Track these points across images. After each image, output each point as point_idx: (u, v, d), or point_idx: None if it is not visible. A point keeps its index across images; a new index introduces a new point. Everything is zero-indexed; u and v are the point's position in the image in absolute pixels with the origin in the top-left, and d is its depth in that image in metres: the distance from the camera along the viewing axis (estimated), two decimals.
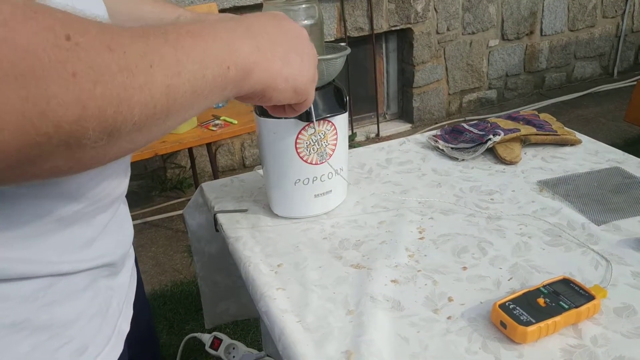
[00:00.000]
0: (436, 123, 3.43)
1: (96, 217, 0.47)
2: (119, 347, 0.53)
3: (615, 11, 3.81)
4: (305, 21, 0.75)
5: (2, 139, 0.29)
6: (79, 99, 0.31)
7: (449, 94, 3.48)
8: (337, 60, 0.79)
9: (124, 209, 0.55)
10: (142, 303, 0.66)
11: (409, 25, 3.16)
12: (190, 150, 2.58)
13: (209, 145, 2.18)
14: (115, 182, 0.50)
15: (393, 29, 3.13)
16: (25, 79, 0.29)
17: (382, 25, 3.08)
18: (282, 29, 0.52)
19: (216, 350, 1.28)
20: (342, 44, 0.85)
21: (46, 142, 0.31)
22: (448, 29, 3.28)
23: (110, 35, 0.34)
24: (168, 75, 0.37)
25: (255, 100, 0.51)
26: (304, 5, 0.74)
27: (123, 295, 0.54)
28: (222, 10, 2.55)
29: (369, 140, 3.26)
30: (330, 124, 0.82)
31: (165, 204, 2.75)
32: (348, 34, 3.00)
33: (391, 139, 1.19)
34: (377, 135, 3.31)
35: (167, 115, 0.38)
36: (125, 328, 0.55)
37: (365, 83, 3.29)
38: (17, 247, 0.40)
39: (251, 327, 1.84)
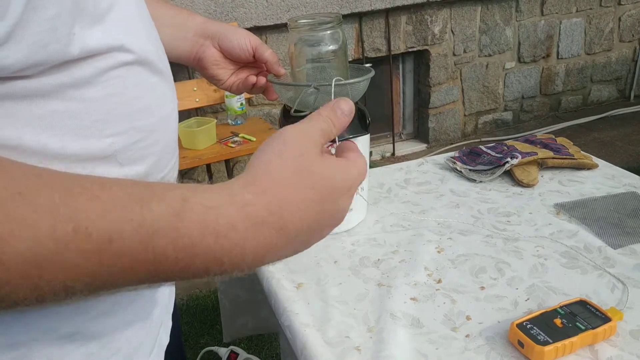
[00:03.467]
0: (452, 143, 3.45)
1: None
2: (160, 359, 0.55)
3: (632, 35, 3.82)
4: (331, 46, 0.78)
5: None
6: None
7: (465, 115, 3.50)
8: (361, 83, 0.82)
9: None
10: (174, 314, 0.68)
11: (425, 47, 3.19)
12: (208, 166, 2.62)
13: (227, 161, 2.22)
14: None
15: (410, 50, 3.17)
16: None
17: (399, 46, 3.12)
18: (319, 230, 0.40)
19: None
20: (367, 65, 0.88)
21: None
22: (465, 51, 3.31)
23: None
24: None
25: None
26: (329, 32, 0.77)
27: (164, 306, 0.56)
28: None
29: (384, 160, 3.28)
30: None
31: None
32: (366, 55, 3.04)
33: (406, 158, 1.21)
34: (393, 154, 3.33)
35: None
36: (165, 340, 0.57)
37: (381, 103, 3.32)
38: None
39: (266, 342, 1.85)
